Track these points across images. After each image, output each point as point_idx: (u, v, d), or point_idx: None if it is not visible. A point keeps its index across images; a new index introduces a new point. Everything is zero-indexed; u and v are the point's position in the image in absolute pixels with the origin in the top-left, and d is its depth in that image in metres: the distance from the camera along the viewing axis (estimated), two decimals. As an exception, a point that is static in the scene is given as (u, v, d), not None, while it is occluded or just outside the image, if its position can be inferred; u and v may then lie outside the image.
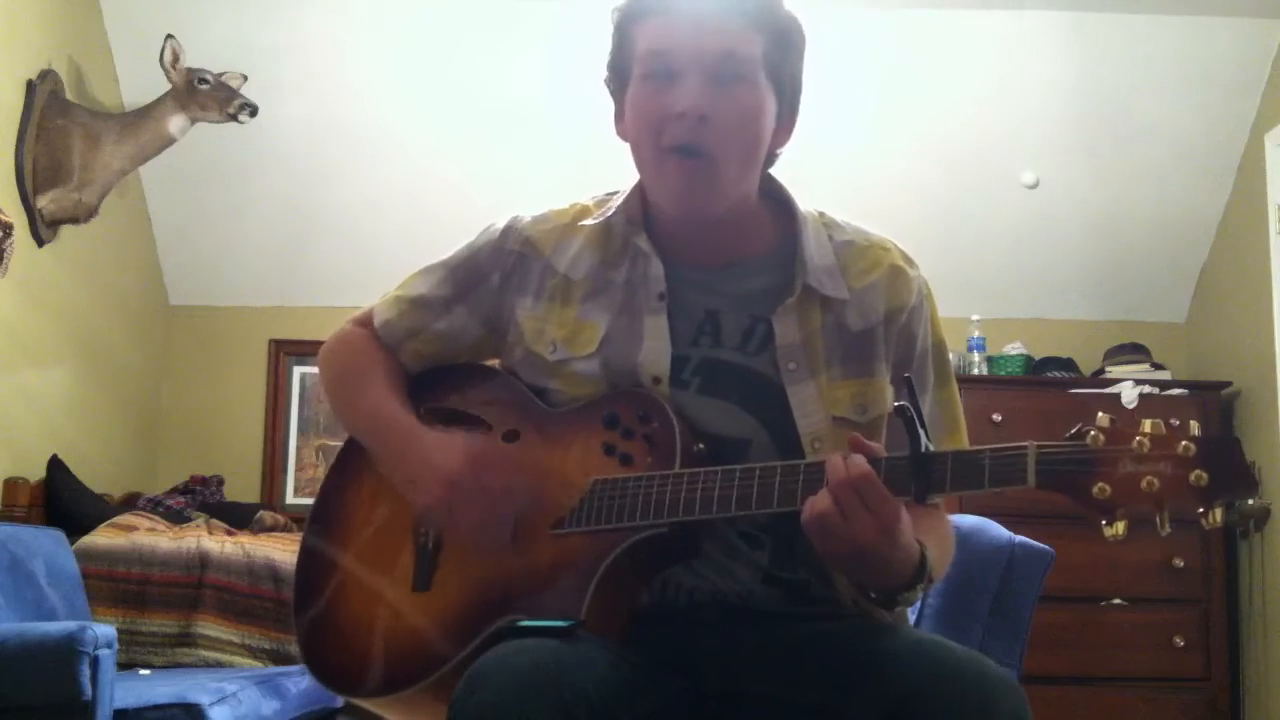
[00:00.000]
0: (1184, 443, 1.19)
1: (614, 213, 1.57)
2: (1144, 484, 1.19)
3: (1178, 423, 1.21)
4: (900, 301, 1.53)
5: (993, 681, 1.25)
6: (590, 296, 1.55)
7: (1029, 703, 1.27)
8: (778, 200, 1.58)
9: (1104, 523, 1.21)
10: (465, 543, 1.47)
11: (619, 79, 1.53)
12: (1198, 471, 1.18)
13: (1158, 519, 1.20)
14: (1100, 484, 1.21)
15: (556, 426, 1.51)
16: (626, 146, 1.55)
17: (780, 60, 1.49)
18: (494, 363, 1.66)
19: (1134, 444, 1.20)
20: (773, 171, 1.60)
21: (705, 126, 1.44)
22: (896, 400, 1.33)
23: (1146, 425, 1.21)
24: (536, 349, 1.55)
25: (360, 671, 1.50)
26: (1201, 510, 1.19)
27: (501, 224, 1.63)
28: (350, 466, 1.65)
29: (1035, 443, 1.24)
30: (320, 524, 1.65)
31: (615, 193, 1.60)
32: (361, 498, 1.62)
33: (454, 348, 1.64)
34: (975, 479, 1.26)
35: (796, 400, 1.47)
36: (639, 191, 1.58)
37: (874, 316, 1.52)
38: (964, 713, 1.22)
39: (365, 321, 1.69)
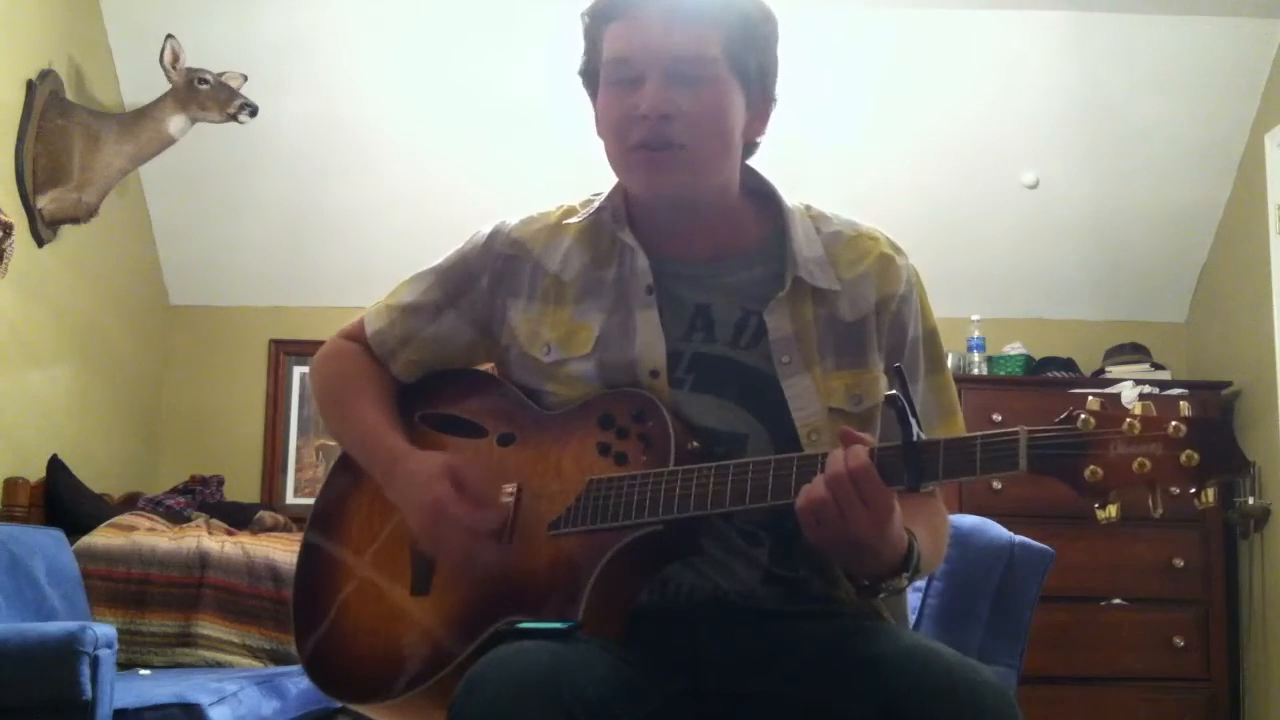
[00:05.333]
0: (1174, 424, 1.19)
1: (599, 210, 1.58)
2: (1135, 465, 1.19)
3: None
4: (890, 290, 1.54)
5: (983, 687, 1.26)
6: (583, 297, 1.55)
7: (1024, 706, 1.27)
8: (763, 195, 1.58)
9: (1096, 506, 1.22)
10: (456, 559, 1.47)
11: (590, 81, 1.56)
12: (1188, 452, 1.18)
13: (1150, 500, 1.20)
14: (1092, 467, 1.21)
15: (551, 428, 1.51)
16: None
17: (743, 52, 1.50)
18: (488, 367, 1.66)
19: (1124, 426, 1.21)
20: (771, 170, 1.60)
21: (669, 124, 1.46)
22: (888, 390, 1.33)
23: (1137, 408, 1.21)
24: (531, 351, 1.55)
25: (358, 677, 1.50)
26: (1194, 490, 1.19)
27: (488, 228, 1.63)
28: (350, 469, 1.65)
29: (1026, 428, 1.24)
30: (320, 528, 1.65)
31: (598, 194, 1.61)
32: (360, 502, 1.63)
33: (446, 353, 1.64)
34: (968, 466, 1.26)
35: (792, 393, 1.47)
36: (622, 188, 1.58)
37: (865, 306, 1.52)
38: (957, 716, 1.23)
39: (354, 334, 1.69)
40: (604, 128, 1.52)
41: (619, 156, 1.51)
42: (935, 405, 1.57)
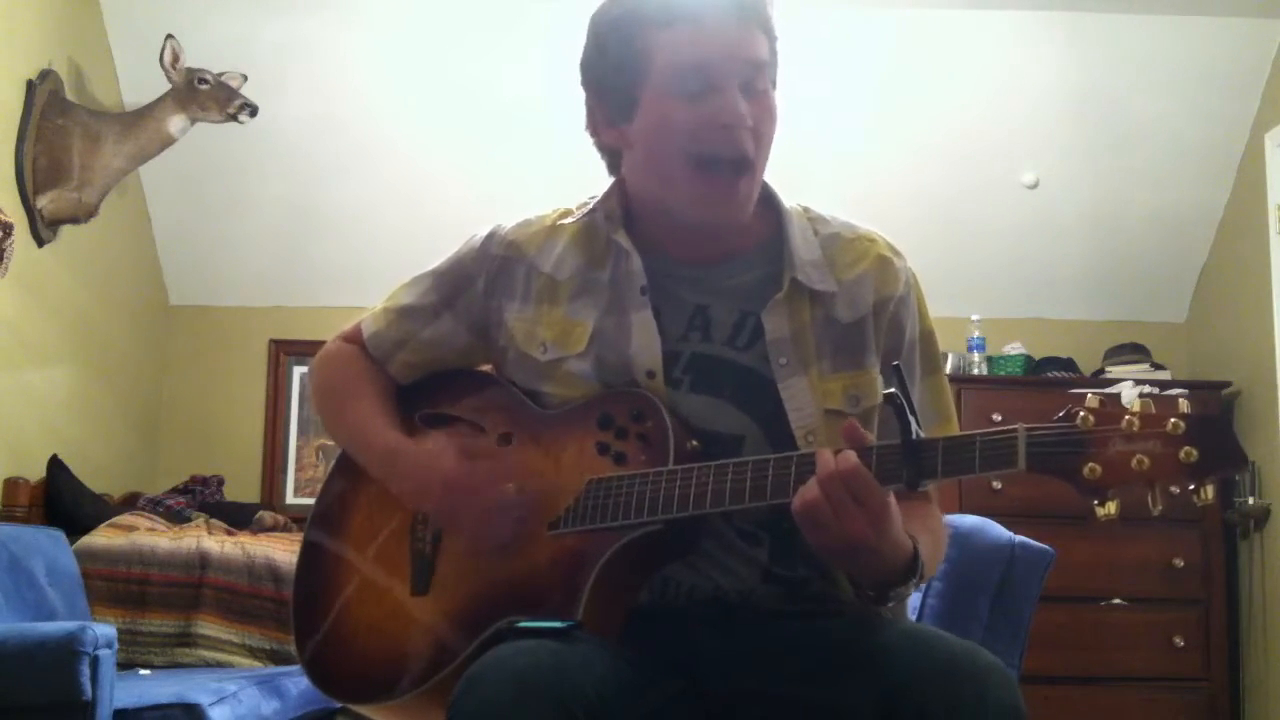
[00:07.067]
0: (1173, 420, 1.19)
1: (592, 212, 1.58)
2: (1134, 463, 1.19)
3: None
4: (888, 291, 1.54)
5: (986, 671, 1.26)
6: (577, 295, 1.55)
7: (1025, 698, 1.27)
8: (762, 196, 1.58)
9: (1096, 503, 1.22)
10: (466, 543, 1.48)
11: (623, 86, 1.49)
12: (1187, 448, 1.18)
13: (1149, 498, 1.20)
14: (1091, 464, 1.21)
15: (551, 428, 1.52)
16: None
17: (774, 50, 1.50)
18: (487, 368, 1.66)
19: (1123, 423, 1.20)
20: (771, 171, 1.59)
21: (748, 136, 1.45)
22: (886, 388, 1.33)
23: (1135, 405, 1.21)
24: (528, 351, 1.55)
25: (358, 677, 1.51)
26: (1193, 487, 1.19)
27: (484, 231, 1.64)
28: (350, 469, 1.66)
29: (1025, 425, 1.24)
30: (320, 528, 1.66)
31: (593, 196, 1.61)
32: (361, 502, 1.63)
33: (443, 355, 1.65)
34: (967, 464, 1.26)
35: (788, 395, 1.47)
36: (618, 190, 1.58)
37: (863, 308, 1.52)
38: (957, 702, 1.23)
39: (352, 337, 1.70)
40: (662, 136, 1.46)
41: (682, 168, 1.46)
42: (931, 408, 1.56)
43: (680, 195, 1.49)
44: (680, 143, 1.45)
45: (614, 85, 1.50)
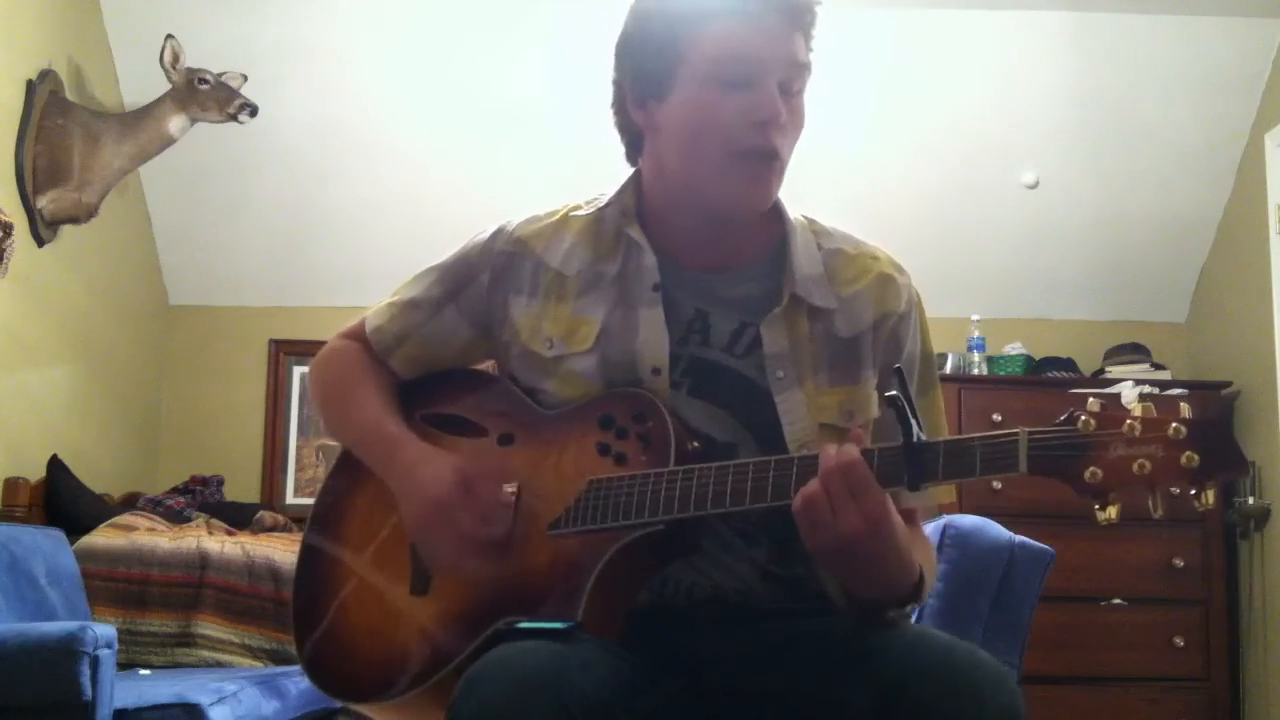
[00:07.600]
0: (1174, 425, 1.19)
1: (607, 205, 1.58)
2: (1135, 467, 1.19)
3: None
4: (888, 308, 1.53)
5: (985, 672, 1.25)
6: (585, 291, 1.55)
7: (1025, 698, 1.27)
8: (770, 207, 1.58)
9: (1097, 507, 1.22)
10: (451, 548, 1.47)
11: (661, 66, 1.48)
12: (1188, 453, 1.18)
13: (1150, 501, 1.20)
14: (1092, 468, 1.21)
15: (551, 428, 1.51)
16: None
17: (811, 67, 1.50)
18: (488, 365, 1.66)
19: (1124, 427, 1.20)
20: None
21: (782, 133, 1.45)
22: (887, 390, 1.33)
23: (1137, 409, 1.21)
24: (533, 346, 1.55)
25: (358, 677, 1.51)
26: (1194, 492, 1.19)
27: (492, 227, 1.63)
28: (349, 470, 1.65)
29: (1026, 429, 1.24)
30: (319, 529, 1.65)
31: (603, 194, 1.61)
32: (359, 502, 1.63)
33: (444, 350, 1.64)
34: (968, 466, 1.26)
35: (784, 407, 1.47)
36: (634, 184, 1.58)
37: (862, 323, 1.52)
38: (956, 702, 1.22)
39: (354, 334, 1.70)
40: (699, 127, 1.46)
41: (719, 159, 1.46)
42: (923, 426, 1.56)
43: (705, 179, 1.48)
44: (713, 132, 1.45)
45: (651, 64, 1.49)
